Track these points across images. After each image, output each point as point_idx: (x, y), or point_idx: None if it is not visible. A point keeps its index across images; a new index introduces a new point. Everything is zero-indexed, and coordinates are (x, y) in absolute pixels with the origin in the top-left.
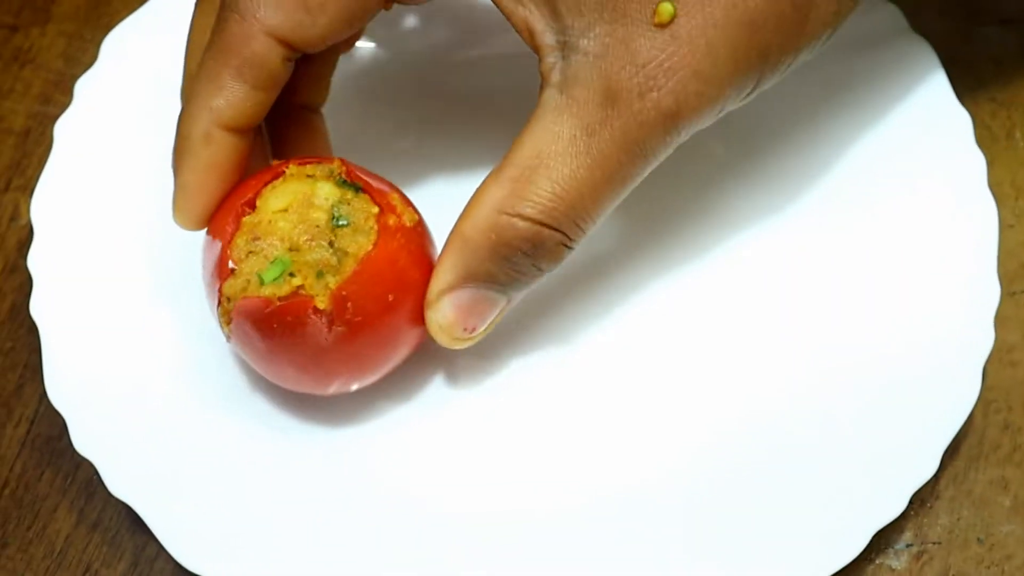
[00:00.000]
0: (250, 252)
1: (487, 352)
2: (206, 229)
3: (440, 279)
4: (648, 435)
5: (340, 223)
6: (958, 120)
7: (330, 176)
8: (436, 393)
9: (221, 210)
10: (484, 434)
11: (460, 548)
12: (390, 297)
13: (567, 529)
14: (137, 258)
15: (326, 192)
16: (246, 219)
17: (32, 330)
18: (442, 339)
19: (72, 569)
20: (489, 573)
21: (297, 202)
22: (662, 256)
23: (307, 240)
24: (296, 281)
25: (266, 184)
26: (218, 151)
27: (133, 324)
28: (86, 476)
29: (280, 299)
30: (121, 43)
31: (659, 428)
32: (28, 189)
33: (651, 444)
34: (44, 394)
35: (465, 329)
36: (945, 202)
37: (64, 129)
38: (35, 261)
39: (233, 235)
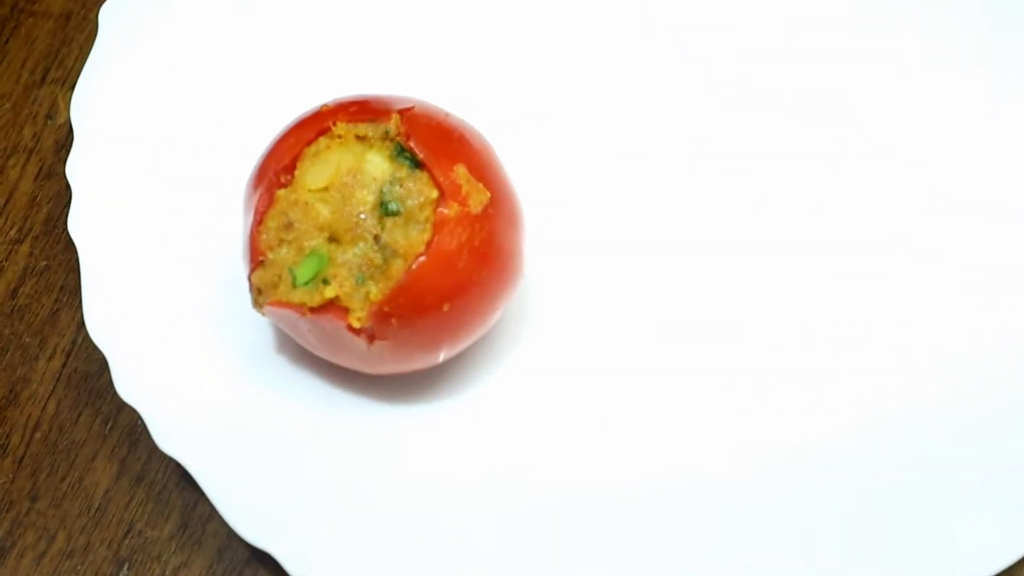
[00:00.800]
0: (282, 240)
1: (551, 337)
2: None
3: None
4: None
5: (390, 210)
6: None
7: (385, 140)
8: (497, 377)
9: (260, 170)
10: (548, 417)
11: (516, 534)
12: (446, 307)
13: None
14: (193, 174)
15: (377, 167)
16: (281, 193)
17: (70, 248)
18: None
19: (112, 528)
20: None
21: (341, 179)
22: (762, 244)
23: (349, 231)
24: (330, 292)
25: (308, 143)
26: None
27: (186, 253)
28: (129, 421)
29: (312, 310)
30: None
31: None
32: (67, 83)
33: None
34: (82, 323)
35: None
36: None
37: (111, 15)
38: (74, 170)
39: (265, 213)
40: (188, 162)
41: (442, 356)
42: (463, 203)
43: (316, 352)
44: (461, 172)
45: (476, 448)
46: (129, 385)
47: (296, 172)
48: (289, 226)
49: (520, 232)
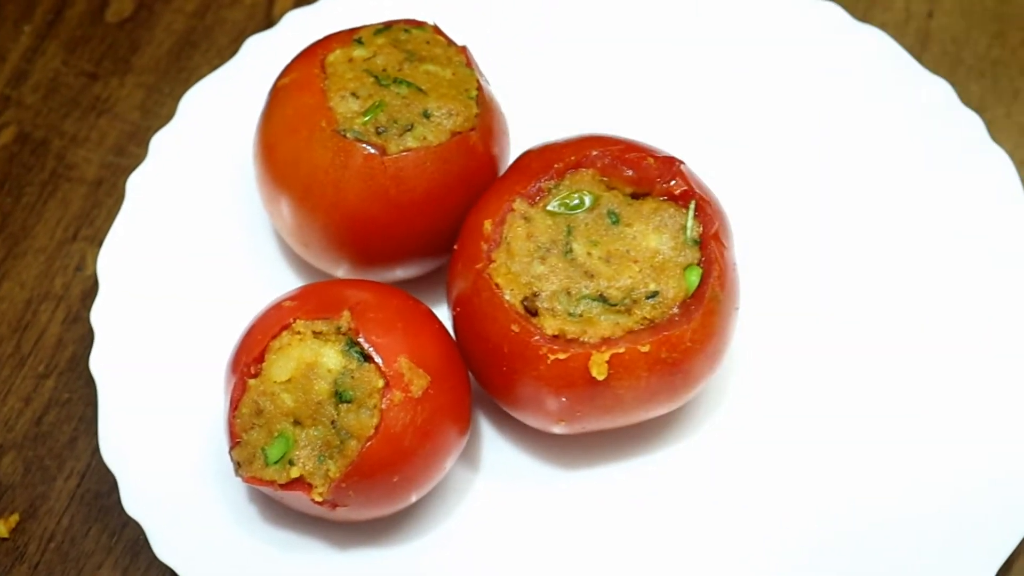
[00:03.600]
0: (254, 424)
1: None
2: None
3: None
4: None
5: (344, 398)
6: None
7: (338, 334)
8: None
9: (234, 358)
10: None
11: None
12: (395, 479)
13: None
14: (201, 324)
15: (331, 360)
16: (252, 383)
17: (90, 383)
18: None
19: None
20: None
21: (301, 372)
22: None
23: (310, 416)
24: (295, 472)
25: (273, 338)
26: None
27: (192, 391)
28: (133, 535)
29: (281, 486)
30: (200, 101)
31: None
32: (95, 240)
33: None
34: (96, 449)
35: None
36: (1017, 330)
37: (137, 184)
38: (98, 316)
39: (239, 400)
40: (194, 315)
41: (401, 507)
42: (405, 390)
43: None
44: (403, 362)
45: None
46: (135, 502)
47: (264, 364)
48: (259, 412)
49: (463, 395)
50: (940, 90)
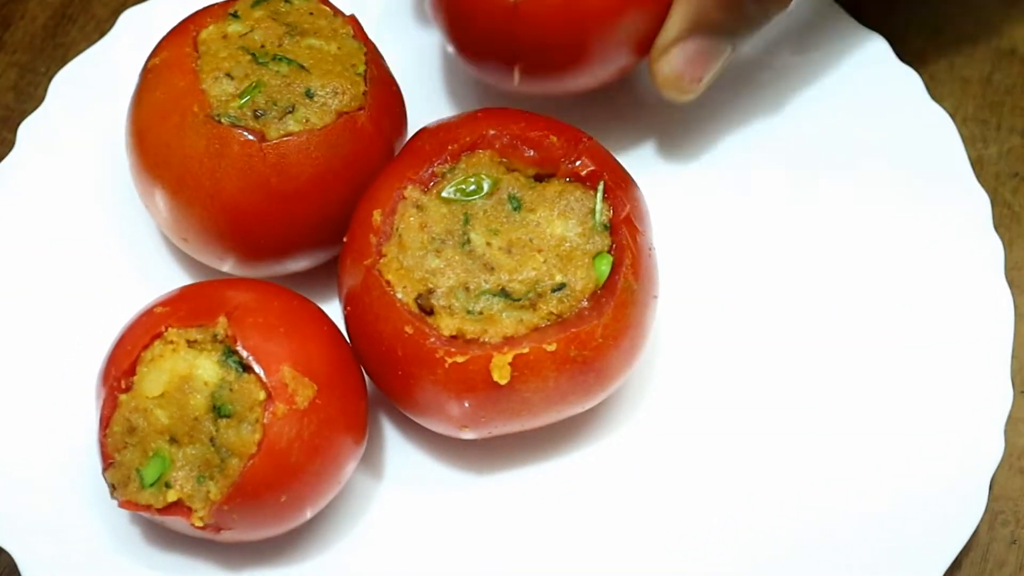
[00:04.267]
0: (127, 443)
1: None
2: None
3: (669, 30)
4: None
5: (222, 412)
6: (976, 203)
7: (214, 343)
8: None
9: (104, 371)
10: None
11: None
12: (283, 498)
13: None
14: (74, 327)
15: (207, 372)
16: (123, 398)
17: None
18: (669, 91)
19: None
20: None
21: (175, 385)
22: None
23: (187, 433)
24: (172, 495)
25: (144, 348)
26: None
27: (63, 401)
28: (7, 562)
29: (158, 510)
30: (72, 83)
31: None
32: None
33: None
34: None
35: (692, 80)
36: (958, 295)
37: (5, 176)
38: None
39: (110, 418)
40: (67, 317)
41: (294, 525)
42: (289, 401)
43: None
44: (286, 371)
45: None
46: (4, 528)
47: (135, 377)
48: (132, 430)
49: (357, 401)
50: (876, 46)
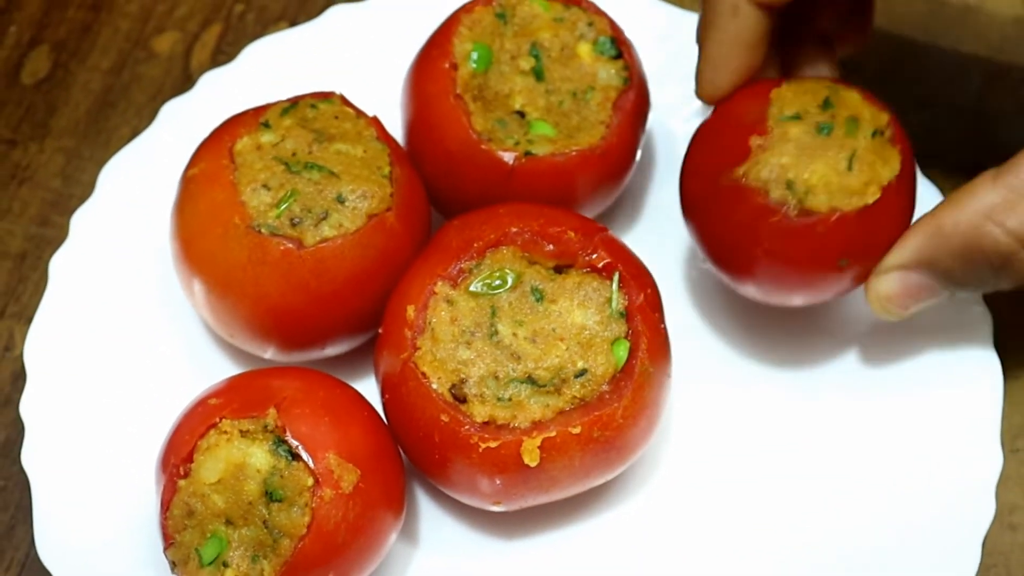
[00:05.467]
0: (186, 525)
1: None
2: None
3: (899, 254)
4: None
5: (274, 497)
6: None
7: (265, 433)
8: None
9: (163, 457)
10: None
11: None
12: (330, 574)
13: None
14: (134, 406)
15: (260, 460)
16: (182, 484)
17: (24, 470)
18: (875, 307)
19: None
20: None
21: (230, 473)
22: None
23: (242, 516)
24: (230, 573)
25: (201, 437)
26: (744, 24)
27: (129, 479)
28: None
29: None
30: (119, 173)
31: None
32: (23, 317)
33: None
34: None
35: (900, 306)
36: (948, 362)
37: (61, 265)
38: (28, 409)
39: (170, 502)
40: (124, 402)
41: None
42: (335, 486)
43: None
44: (332, 458)
45: None
46: None
47: (193, 465)
48: (191, 513)
49: (396, 479)
50: None
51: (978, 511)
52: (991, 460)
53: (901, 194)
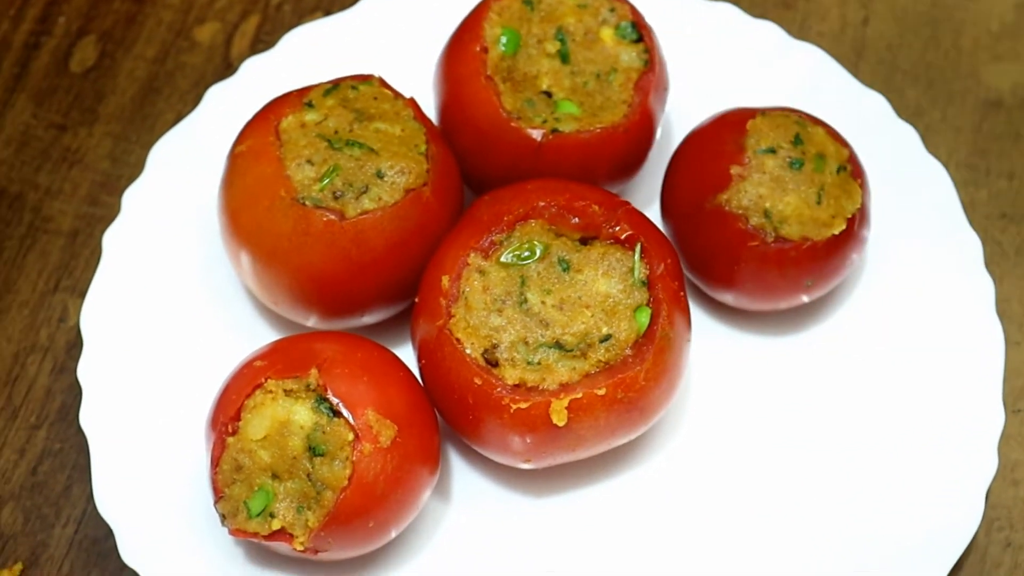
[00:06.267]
0: (235, 479)
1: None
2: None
3: None
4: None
5: (317, 452)
6: (969, 246)
7: (307, 392)
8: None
9: (213, 417)
10: None
11: None
12: (371, 524)
13: None
14: (184, 370)
15: (303, 417)
16: (230, 440)
17: (80, 432)
18: None
19: None
20: None
21: (275, 429)
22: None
23: (287, 470)
24: (276, 524)
25: (247, 397)
26: None
27: (177, 440)
28: None
29: (264, 537)
30: (167, 153)
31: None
32: (76, 291)
33: None
34: (91, 495)
35: None
36: (954, 329)
37: (112, 240)
38: (85, 372)
39: (219, 458)
40: (175, 366)
41: (379, 546)
42: (374, 441)
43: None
44: (371, 414)
45: None
46: (131, 551)
47: (240, 423)
48: (239, 468)
49: (431, 437)
50: (875, 104)
51: (982, 465)
52: (994, 418)
53: (861, 223)
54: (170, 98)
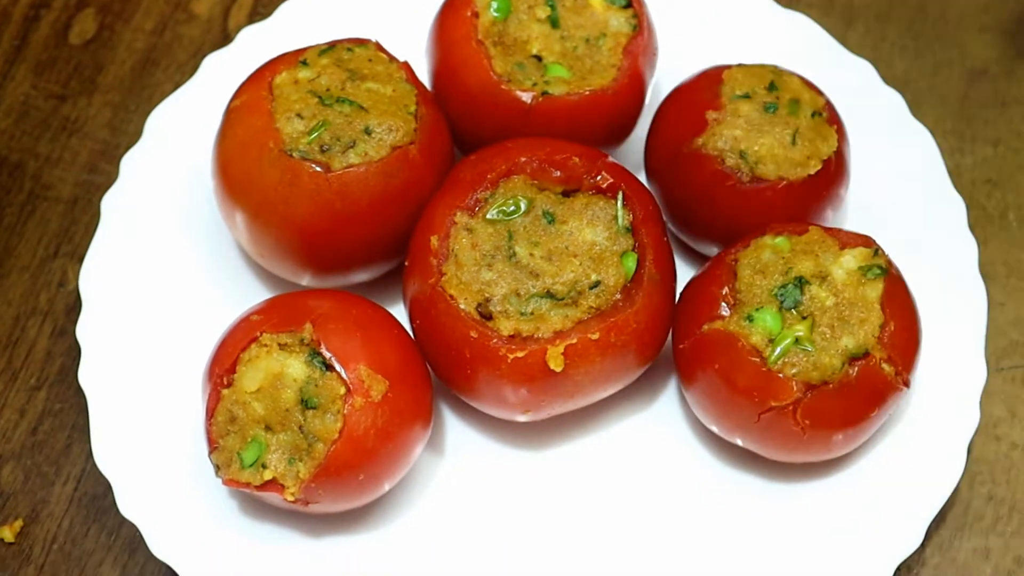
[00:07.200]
0: (229, 431)
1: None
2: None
3: None
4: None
5: (309, 404)
6: (953, 207)
7: (301, 346)
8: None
9: (209, 369)
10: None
11: None
12: (361, 477)
13: None
14: (178, 334)
15: (296, 370)
16: (225, 392)
17: (79, 393)
18: None
19: None
20: None
21: (269, 382)
22: None
23: (279, 422)
24: (268, 474)
25: (243, 350)
26: None
27: (174, 397)
28: (129, 533)
29: (256, 487)
30: (165, 120)
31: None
32: (75, 256)
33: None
34: (90, 453)
35: None
36: (938, 288)
37: (111, 204)
38: (84, 331)
39: (214, 409)
40: (172, 326)
41: (370, 500)
42: (366, 395)
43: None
44: (363, 369)
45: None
46: (129, 504)
47: (235, 375)
48: (233, 419)
49: (423, 393)
50: (863, 70)
51: (964, 419)
52: (975, 373)
53: (839, 168)
54: (168, 69)
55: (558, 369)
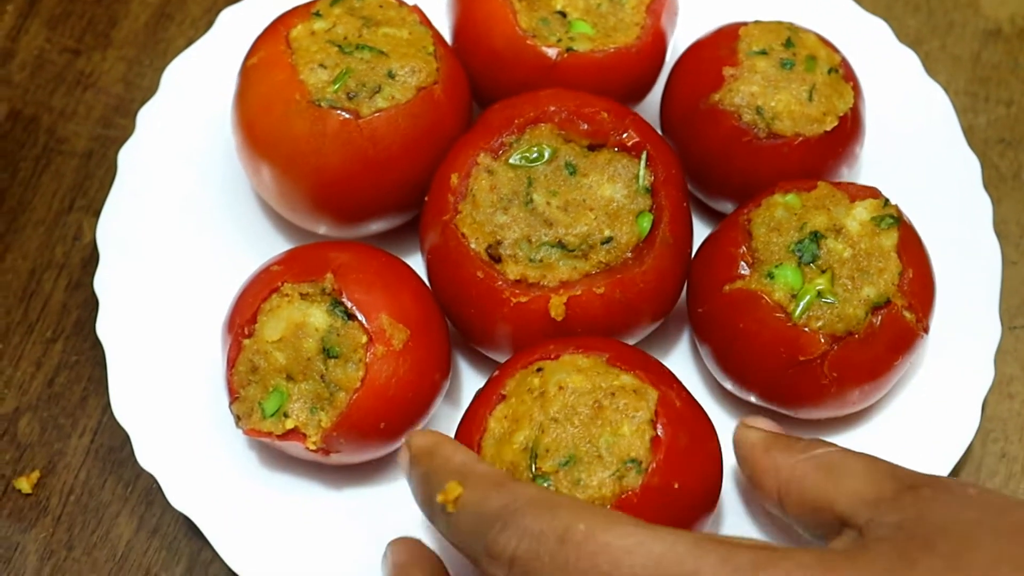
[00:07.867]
0: (250, 380)
1: None
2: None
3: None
4: None
5: (331, 354)
6: (968, 165)
7: (323, 296)
8: None
9: (230, 319)
10: None
11: None
12: (381, 425)
13: None
14: (196, 286)
15: (318, 320)
16: (246, 342)
17: (96, 345)
18: (737, 446)
19: (133, 572)
20: None
21: (291, 331)
22: None
23: (301, 371)
24: (290, 423)
25: (264, 300)
26: None
27: (192, 348)
28: (146, 485)
29: (278, 436)
30: (181, 74)
31: None
32: (91, 210)
33: None
34: (107, 406)
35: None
36: (952, 246)
37: (128, 157)
38: (101, 284)
39: (235, 359)
40: (189, 278)
41: (390, 450)
42: (387, 343)
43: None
44: (384, 318)
45: None
46: (147, 455)
47: (256, 325)
48: (255, 370)
49: (442, 343)
50: (877, 29)
51: (979, 376)
52: (990, 331)
53: (854, 125)
54: (182, 24)
55: (559, 318)
